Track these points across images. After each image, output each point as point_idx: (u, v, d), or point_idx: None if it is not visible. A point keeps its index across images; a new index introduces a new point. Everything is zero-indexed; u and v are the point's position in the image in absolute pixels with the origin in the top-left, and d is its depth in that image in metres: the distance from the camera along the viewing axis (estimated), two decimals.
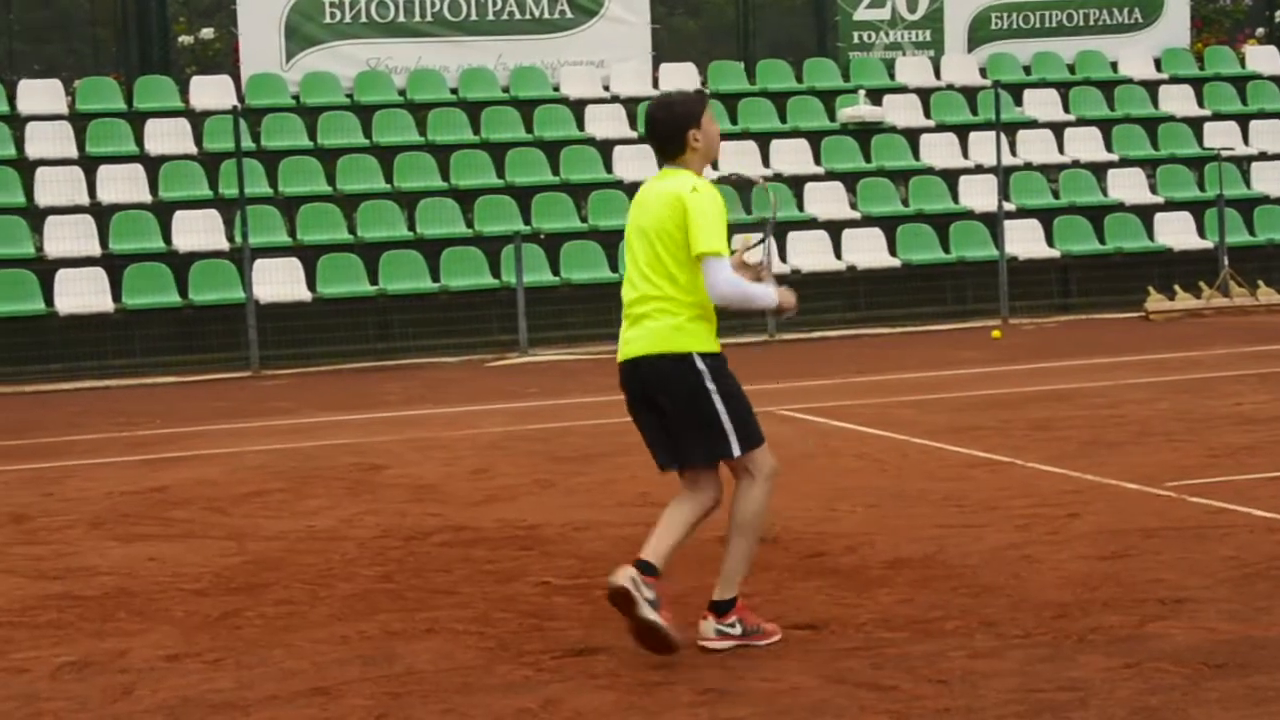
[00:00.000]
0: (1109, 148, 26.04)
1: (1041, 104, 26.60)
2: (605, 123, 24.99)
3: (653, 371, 6.88)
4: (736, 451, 6.96)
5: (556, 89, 25.60)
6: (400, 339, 21.28)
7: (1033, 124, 26.13)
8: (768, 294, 7.06)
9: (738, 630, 6.90)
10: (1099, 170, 25.50)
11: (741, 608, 6.97)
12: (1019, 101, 26.43)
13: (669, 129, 7.22)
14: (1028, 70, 27.51)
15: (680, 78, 26.09)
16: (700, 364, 6.83)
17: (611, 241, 22.59)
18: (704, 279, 6.83)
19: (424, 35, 25.43)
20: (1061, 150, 25.93)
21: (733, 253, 7.13)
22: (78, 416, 16.74)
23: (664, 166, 7.34)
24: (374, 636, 7.28)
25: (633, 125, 25.06)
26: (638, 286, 7.00)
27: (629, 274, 7.09)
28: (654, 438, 7.03)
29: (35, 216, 21.74)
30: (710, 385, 6.84)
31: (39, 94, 23.92)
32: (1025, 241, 23.88)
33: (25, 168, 22.40)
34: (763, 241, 7.30)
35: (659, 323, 6.88)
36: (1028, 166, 25.31)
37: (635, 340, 6.96)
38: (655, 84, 26.02)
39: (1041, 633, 6.92)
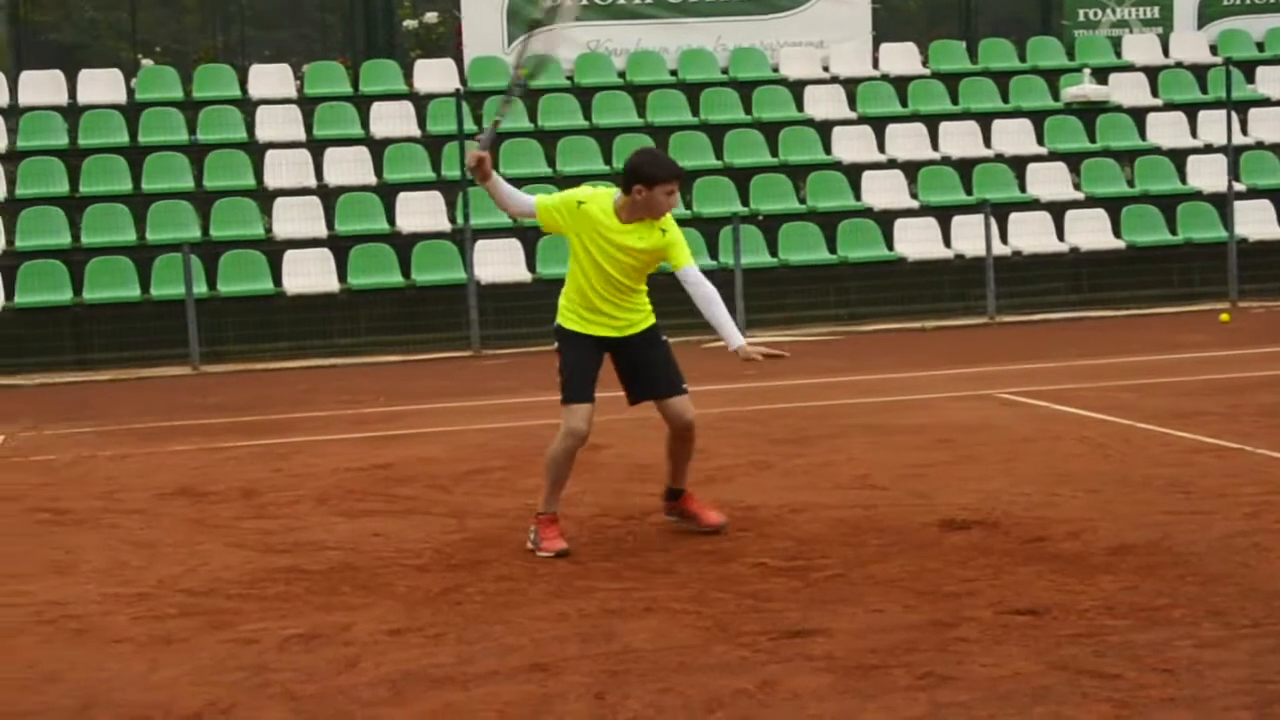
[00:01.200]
0: None
1: (1275, 81, 25.96)
2: (824, 103, 24.88)
3: None
4: (560, 400, 8.80)
5: (775, 70, 25.56)
6: None
7: (1265, 102, 25.47)
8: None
9: (532, 536, 8.72)
10: None
11: (541, 521, 8.71)
12: (1251, 79, 25.79)
13: (625, 174, 8.56)
14: (1260, 47, 26.82)
15: (901, 58, 25.89)
16: (555, 330, 8.86)
17: (830, 223, 22.53)
18: None
19: (644, 17, 25.54)
20: None
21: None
22: (305, 394, 17.12)
23: (618, 195, 8.66)
24: (592, 614, 7.33)
25: (852, 106, 24.92)
26: None
27: None
28: None
29: (265, 198, 22.28)
30: (556, 346, 8.86)
31: (269, 78, 24.50)
32: (1256, 223, 23.33)
33: (255, 151, 22.97)
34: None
35: None
36: (1259, 146, 24.69)
37: None
38: (875, 64, 25.86)
39: (1272, 623, 6.74)
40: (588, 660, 6.58)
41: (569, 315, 8.76)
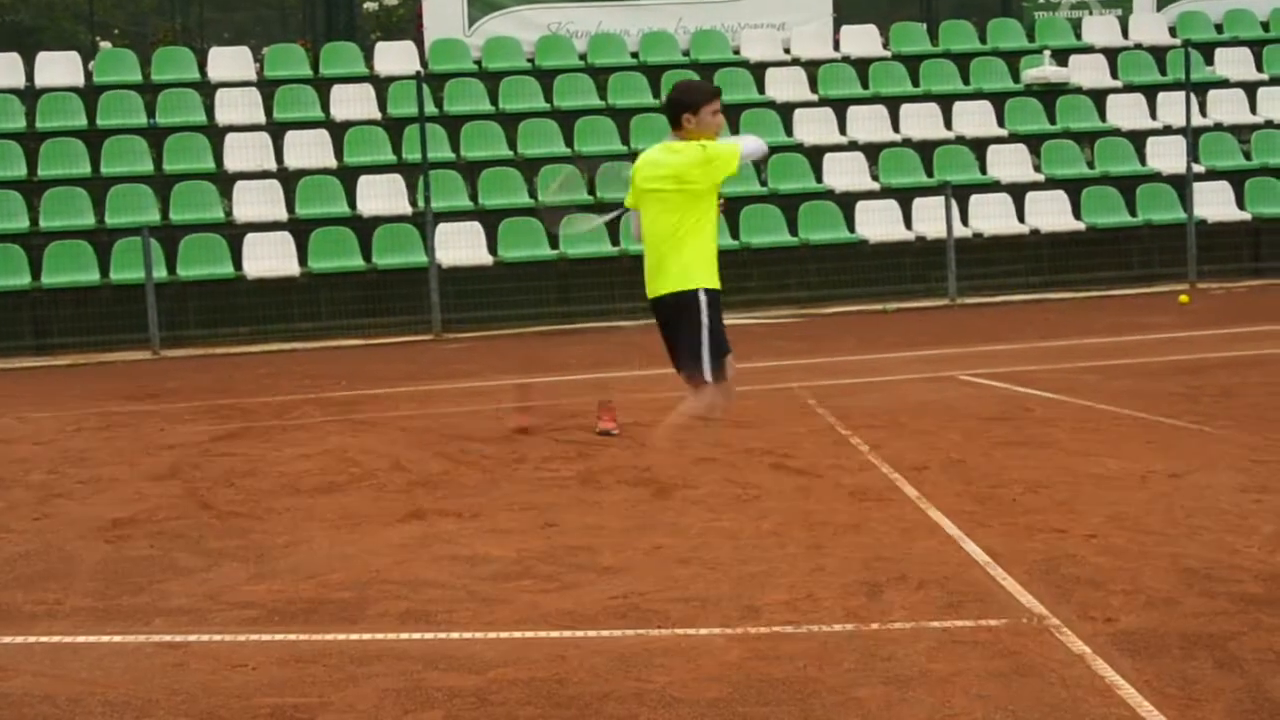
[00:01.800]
0: None
1: (1233, 63, 26.04)
2: (785, 85, 24.88)
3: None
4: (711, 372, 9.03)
5: (736, 52, 25.54)
6: (580, 302, 21.38)
7: (1224, 83, 25.59)
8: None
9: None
10: None
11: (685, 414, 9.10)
12: (1210, 61, 25.89)
13: (671, 108, 8.91)
14: (1219, 28, 26.93)
15: (862, 40, 25.91)
16: (710, 296, 9.27)
17: (791, 205, 22.54)
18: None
19: (605, 0, 25.47)
20: (1254, 110, 25.37)
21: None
22: (266, 378, 17.06)
23: (670, 135, 8.99)
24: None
25: (813, 88, 24.93)
26: None
27: None
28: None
29: (225, 182, 22.17)
30: (705, 316, 9.23)
31: (228, 61, 24.37)
32: (1215, 204, 23.43)
33: (215, 134, 22.85)
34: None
35: None
36: (1218, 127, 24.79)
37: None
38: (836, 46, 25.87)
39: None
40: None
41: (716, 274, 9.34)
